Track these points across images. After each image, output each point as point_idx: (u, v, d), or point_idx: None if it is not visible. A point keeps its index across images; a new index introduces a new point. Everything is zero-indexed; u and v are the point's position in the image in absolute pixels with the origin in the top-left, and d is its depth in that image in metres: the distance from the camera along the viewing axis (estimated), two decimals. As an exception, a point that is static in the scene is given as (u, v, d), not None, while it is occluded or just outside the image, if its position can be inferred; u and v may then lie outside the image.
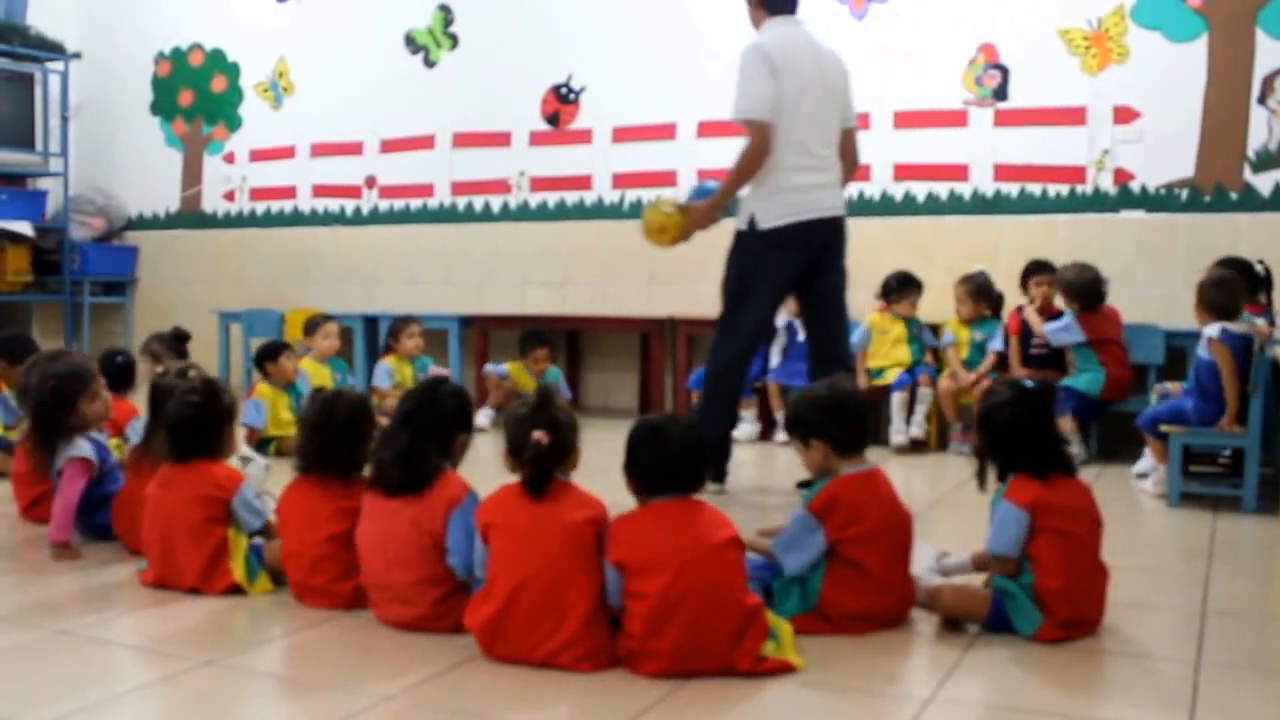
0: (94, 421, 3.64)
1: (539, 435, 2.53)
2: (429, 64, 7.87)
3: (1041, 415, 2.82)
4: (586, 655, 2.45)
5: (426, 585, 2.71)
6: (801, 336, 6.17)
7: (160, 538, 3.13)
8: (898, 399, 5.82)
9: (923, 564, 3.07)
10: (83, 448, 3.57)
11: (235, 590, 3.06)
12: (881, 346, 6.06)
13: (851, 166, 4.70)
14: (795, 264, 4.43)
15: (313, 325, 6.24)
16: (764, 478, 5.17)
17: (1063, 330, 5.42)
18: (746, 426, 6.07)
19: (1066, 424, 5.04)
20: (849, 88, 4.58)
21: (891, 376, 5.91)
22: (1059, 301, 5.59)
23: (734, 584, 2.48)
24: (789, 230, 4.36)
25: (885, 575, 2.75)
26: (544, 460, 2.54)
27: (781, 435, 6.00)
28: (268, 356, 5.67)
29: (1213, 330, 4.34)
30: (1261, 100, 5.76)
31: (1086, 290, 5.39)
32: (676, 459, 2.57)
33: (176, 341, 5.53)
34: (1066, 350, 5.54)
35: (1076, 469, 2.86)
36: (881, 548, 2.75)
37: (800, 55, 4.37)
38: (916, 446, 5.77)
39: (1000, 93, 6.31)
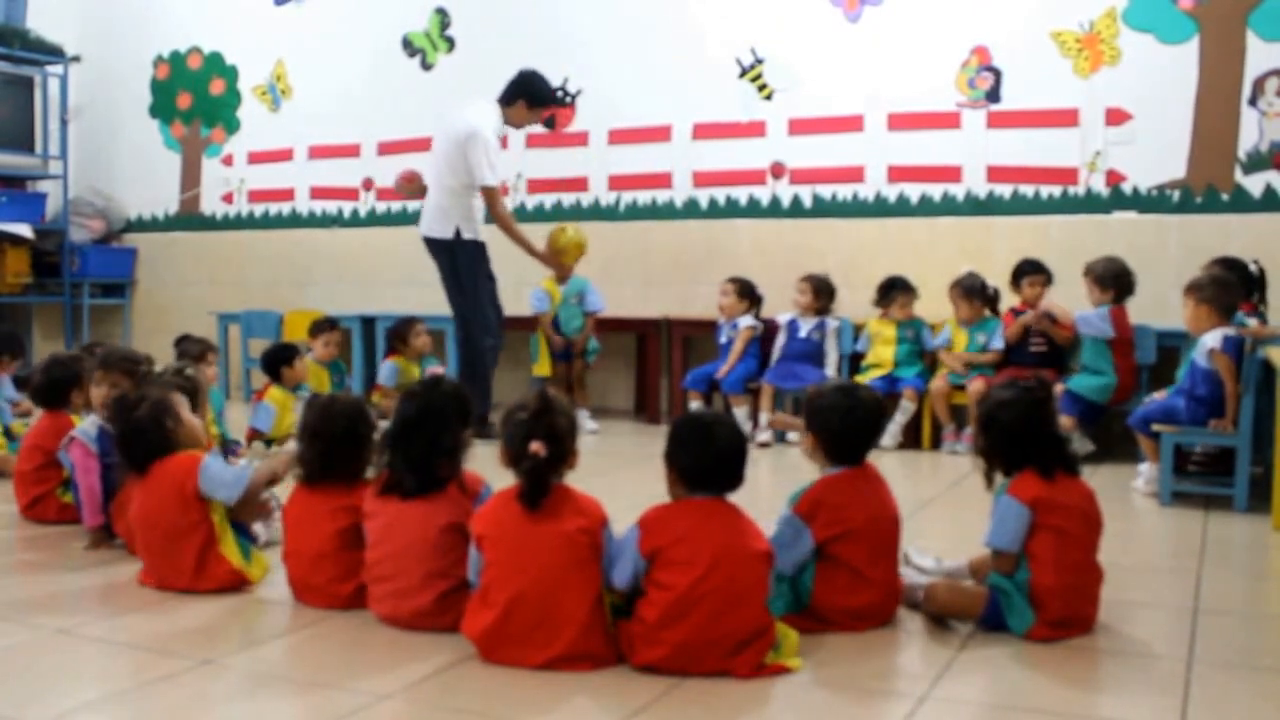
0: None
1: (536, 447, 2.51)
2: (426, 67, 7.89)
3: (1043, 415, 2.84)
4: (584, 659, 2.47)
5: (435, 579, 2.73)
6: (802, 334, 6.23)
7: (149, 543, 3.14)
8: None
9: (922, 567, 3.09)
10: (86, 432, 3.63)
11: (235, 576, 3.08)
12: (875, 349, 6.13)
13: None
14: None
15: (318, 329, 6.29)
16: (751, 477, 5.18)
17: (1097, 319, 5.34)
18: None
19: (1067, 422, 5.03)
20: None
21: (864, 378, 5.97)
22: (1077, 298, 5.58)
23: (756, 595, 2.49)
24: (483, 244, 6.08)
25: (870, 571, 2.77)
26: (540, 473, 2.52)
27: (762, 436, 6.02)
28: (283, 361, 5.69)
29: (1215, 341, 4.33)
30: (1252, 102, 5.78)
31: (1118, 278, 5.37)
32: (717, 459, 2.58)
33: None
34: (1071, 346, 5.56)
35: (1079, 469, 2.88)
36: (866, 544, 2.78)
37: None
38: (900, 446, 5.85)
39: (993, 95, 6.33)
